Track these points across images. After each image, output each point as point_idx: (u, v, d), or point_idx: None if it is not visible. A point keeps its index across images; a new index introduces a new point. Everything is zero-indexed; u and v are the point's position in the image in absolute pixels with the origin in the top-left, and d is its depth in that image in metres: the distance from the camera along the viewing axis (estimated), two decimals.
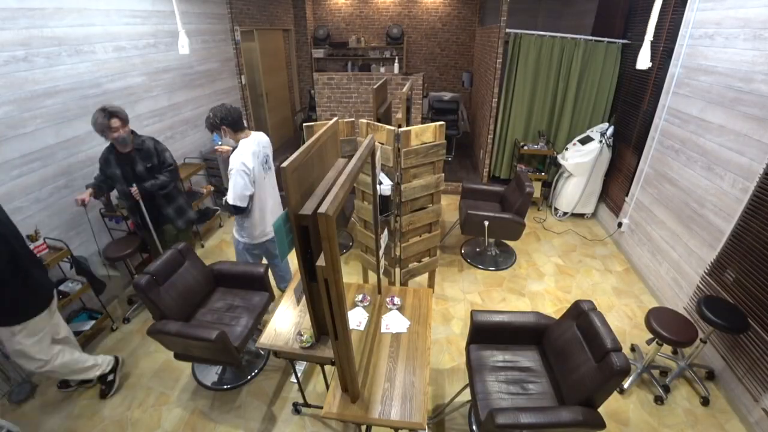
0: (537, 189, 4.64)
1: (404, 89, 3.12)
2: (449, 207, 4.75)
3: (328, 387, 2.30)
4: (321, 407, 2.27)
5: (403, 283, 2.89)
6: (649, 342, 2.72)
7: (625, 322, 3.04)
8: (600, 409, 1.70)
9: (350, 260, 3.79)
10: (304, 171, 1.31)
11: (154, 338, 2.19)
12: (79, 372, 2.29)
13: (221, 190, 4.49)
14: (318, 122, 3.27)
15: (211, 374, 2.59)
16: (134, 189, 2.67)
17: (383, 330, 1.99)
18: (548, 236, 4.24)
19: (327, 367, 2.36)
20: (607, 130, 4.15)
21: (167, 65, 3.76)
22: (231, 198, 2.38)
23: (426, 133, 2.46)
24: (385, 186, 2.52)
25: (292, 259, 3.24)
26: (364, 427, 1.81)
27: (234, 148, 2.45)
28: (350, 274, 3.59)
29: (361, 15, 7.50)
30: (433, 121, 4.09)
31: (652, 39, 2.02)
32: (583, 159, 4.17)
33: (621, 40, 4.10)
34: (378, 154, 2.06)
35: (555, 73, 4.36)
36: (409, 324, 2.02)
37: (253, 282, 2.60)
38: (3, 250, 1.81)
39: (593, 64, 4.23)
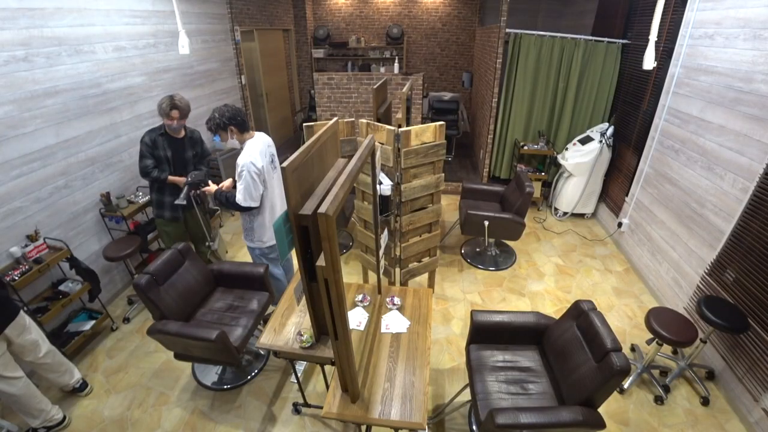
0: (537, 189, 4.64)
1: (404, 89, 3.12)
2: (449, 207, 4.75)
3: (328, 387, 2.30)
4: (321, 407, 2.27)
5: (403, 283, 2.89)
6: (649, 342, 2.72)
7: (625, 322, 3.04)
8: (600, 409, 1.70)
9: (350, 260, 3.79)
10: (304, 171, 1.31)
11: (154, 338, 2.19)
12: (30, 410, 2.11)
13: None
14: (318, 122, 3.27)
15: (211, 374, 2.59)
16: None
17: (383, 330, 1.99)
18: (548, 236, 4.24)
19: (327, 367, 2.36)
20: (607, 130, 4.15)
21: (167, 65, 3.76)
22: (242, 199, 2.35)
23: (426, 133, 2.46)
24: (385, 186, 2.52)
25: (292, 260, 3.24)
26: (364, 427, 1.81)
27: (237, 150, 2.44)
28: (350, 274, 3.59)
29: (361, 15, 7.50)
30: (433, 121, 4.10)
31: (655, 39, 2.02)
32: (583, 159, 4.17)
33: (621, 40, 4.10)
34: (378, 154, 2.06)
35: (555, 73, 4.36)
36: (409, 324, 2.02)
37: (253, 282, 2.60)
38: None
39: (593, 64, 4.23)
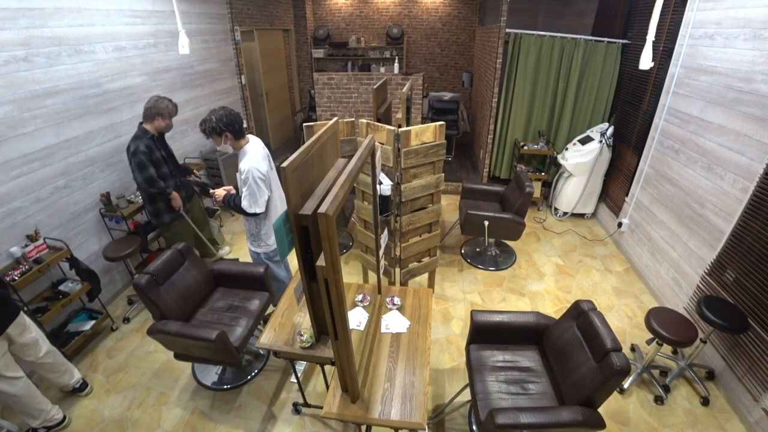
0: (537, 189, 4.64)
1: (404, 89, 3.12)
2: (449, 207, 4.75)
3: (328, 387, 2.30)
4: (321, 407, 2.27)
5: (403, 283, 2.89)
6: (649, 342, 2.72)
7: (625, 322, 3.04)
8: (600, 409, 1.70)
9: (350, 260, 3.79)
10: (304, 171, 1.31)
11: (154, 338, 2.19)
12: (30, 410, 2.11)
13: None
14: (318, 122, 3.27)
15: (211, 374, 2.59)
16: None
17: (383, 330, 1.99)
18: (548, 236, 4.24)
19: (327, 367, 2.36)
20: (607, 130, 4.15)
21: (167, 65, 3.76)
22: (248, 205, 2.33)
23: (426, 133, 2.46)
24: (385, 186, 2.52)
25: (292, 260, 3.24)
26: (364, 427, 1.81)
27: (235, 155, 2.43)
28: (350, 274, 3.59)
29: (361, 15, 7.50)
30: (433, 121, 4.09)
31: (653, 39, 2.02)
32: (583, 159, 4.17)
33: (621, 40, 4.10)
34: (378, 154, 2.06)
35: (555, 73, 4.36)
36: (409, 324, 2.02)
37: (253, 282, 2.60)
38: None
39: (593, 64, 4.23)
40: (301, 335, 1.86)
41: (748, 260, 2.33)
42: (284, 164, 1.17)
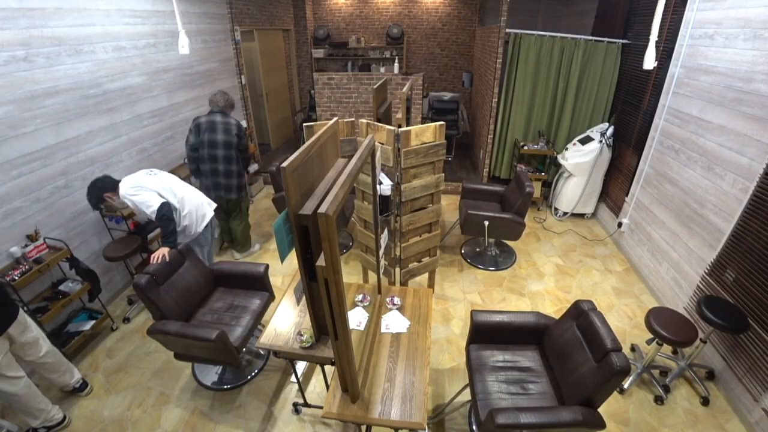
0: (537, 189, 4.64)
1: (404, 89, 3.12)
2: (449, 207, 4.75)
3: (328, 387, 2.30)
4: (321, 407, 2.28)
5: (403, 283, 2.89)
6: (649, 342, 2.72)
7: (625, 322, 3.04)
8: (600, 409, 1.70)
9: (350, 260, 3.79)
10: (304, 171, 1.31)
11: (154, 338, 2.19)
12: (31, 410, 2.11)
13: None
14: (318, 122, 3.27)
15: (211, 374, 2.59)
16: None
17: (383, 330, 1.99)
18: (548, 236, 4.24)
19: (327, 367, 2.36)
20: (607, 130, 4.15)
21: (167, 65, 3.76)
22: (155, 210, 2.46)
23: (426, 133, 2.46)
24: (385, 186, 2.52)
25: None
26: (364, 427, 1.81)
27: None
28: (350, 274, 3.59)
29: (361, 15, 7.50)
30: (433, 121, 4.09)
31: (656, 39, 2.02)
32: (583, 159, 4.17)
33: (621, 40, 4.10)
34: (378, 154, 2.06)
35: (555, 73, 4.36)
36: (409, 324, 2.02)
37: (253, 282, 2.60)
38: None
39: (593, 64, 4.23)
40: (301, 335, 1.86)
41: (748, 260, 2.33)
42: (284, 164, 1.17)
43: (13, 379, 2.01)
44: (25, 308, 2.43)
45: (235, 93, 5.11)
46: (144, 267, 2.99)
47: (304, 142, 1.49)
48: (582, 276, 3.58)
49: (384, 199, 2.57)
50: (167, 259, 2.37)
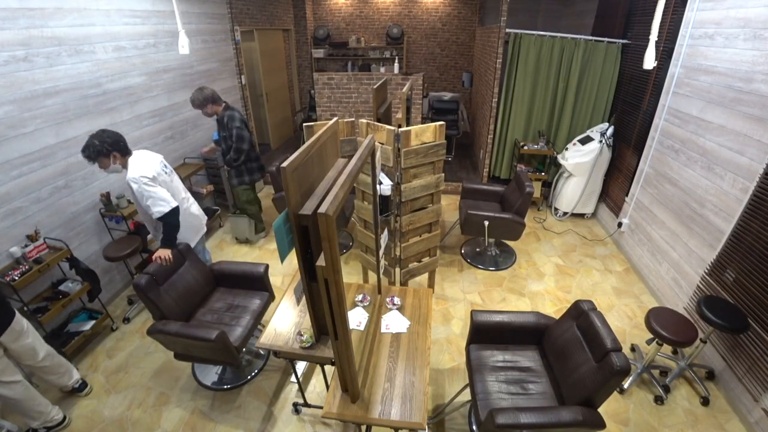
0: (537, 189, 4.63)
1: (404, 89, 3.12)
2: (449, 207, 4.75)
3: (328, 387, 2.30)
4: (321, 407, 2.28)
5: (403, 283, 2.89)
6: (649, 342, 2.72)
7: (625, 322, 3.04)
8: (600, 409, 1.70)
9: (350, 260, 3.79)
10: (304, 171, 1.31)
11: (154, 338, 2.19)
12: (30, 412, 2.10)
13: (220, 190, 4.49)
14: (318, 122, 3.27)
15: (211, 374, 2.59)
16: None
17: (383, 330, 1.99)
18: (548, 236, 4.24)
19: (327, 367, 2.36)
20: (607, 130, 4.15)
21: (167, 65, 3.76)
22: (159, 210, 2.32)
23: (426, 133, 2.46)
24: (385, 186, 2.52)
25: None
26: (364, 427, 1.81)
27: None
28: (350, 274, 3.59)
29: (361, 15, 7.49)
30: (433, 121, 4.09)
31: (656, 39, 2.02)
32: (583, 159, 4.17)
33: (621, 40, 4.10)
34: (378, 154, 2.06)
35: (555, 73, 4.36)
36: (409, 324, 2.02)
37: (253, 282, 2.60)
38: None
39: (593, 64, 4.23)
40: (301, 335, 1.86)
41: (748, 260, 2.33)
42: (284, 164, 1.17)
43: (11, 384, 2.00)
44: (25, 308, 2.44)
45: (235, 93, 5.11)
46: (144, 267, 3.00)
47: (304, 142, 1.49)
48: (582, 276, 3.58)
49: (384, 199, 2.57)
50: (171, 261, 2.36)
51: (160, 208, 2.33)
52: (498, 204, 3.83)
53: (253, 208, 3.90)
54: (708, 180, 2.71)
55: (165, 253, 2.36)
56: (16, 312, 2.04)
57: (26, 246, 2.49)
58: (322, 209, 1.10)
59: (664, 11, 2.01)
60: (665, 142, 3.26)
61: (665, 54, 3.35)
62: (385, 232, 2.32)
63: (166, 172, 2.55)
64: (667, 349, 2.70)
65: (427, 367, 1.79)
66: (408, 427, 1.59)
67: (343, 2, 7.41)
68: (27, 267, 2.41)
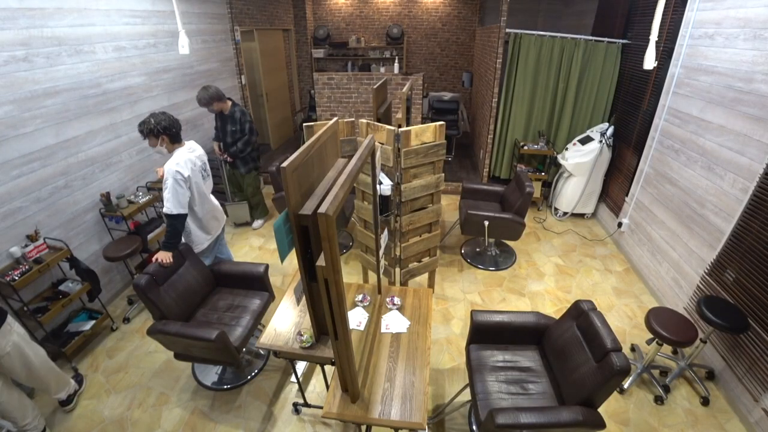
0: (537, 189, 4.64)
1: (404, 89, 3.12)
2: (449, 207, 4.75)
3: (328, 387, 2.30)
4: (321, 407, 2.28)
5: (403, 283, 2.89)
6: (649, 342, 2.72)
7: (625, 322, 3.04)
8: (600, 409, 1.70)
9: (350, 260, 3.79)
10: (304, 171, 1.31)
11: (154, 338, 2.19)
12: (10, 416, 2.04)
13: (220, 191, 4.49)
14: (318, 122, 3.27)
15: (211, 374, 2.59)
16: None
17: (383, 330, 1.99)
18: (548, 236, 4.24)
19: (327, 367, 2.36)
20: (607, 130, 4.15)
21: (167, 65, 3.76)
22: (171, 207, 2.34)
23: (426, 133, 2.46)
24: (385, 186, 2.52)
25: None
26: (364, 427, 1.81)
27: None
28: (350, 274, 3.59)
29: (361, 15, 7.50)
30: (433, 121, 4.09)
31: (656, 39, 2.02)
32: (583, 159, 4.17)
33: (621, 40, 4.10)
34: (378, 154, 2.06)
35: (555, 73, 4.36)
36: (409, 324, 2.02)
37: (253, 282, 2.60)
38: None
39: (593, 64, 4.23)
40: (301, 335, 1.86)
41: (748, 260, 2.33)
42: (284, 164, 1.17)
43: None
44: (25, 308, 2.43)
45: (235, 93, 5.11)
46: (144, 267, 3.00)
47: (304, 142, 1.49)
48: (582, 276, 3.58)
49: (384, 199, 2.57)
50: (171, 263, 2.36)
51: (171, 207, 2.37)
52: (498, 204, 3.83)
53: (260, 194, 4.33)
54: (708, 180, 2.71)
55: (166, 257, 2.36)
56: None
57: (26, 246, 2.49)
58: (322, 209, 1.10)
59: (664, 11, 2.01)
60: (665, 142, 3.26)
61: (665, 54, 3.35)
62: (385, 232, 2.32)
63: (203, 176, 2.61)
64: (667, 349, 2.70)
65: (427, 367, 1.79)
66: (408, 427, 1.59)
67: (343, 2, 7.41)
68: (27, 267, 2.40)
